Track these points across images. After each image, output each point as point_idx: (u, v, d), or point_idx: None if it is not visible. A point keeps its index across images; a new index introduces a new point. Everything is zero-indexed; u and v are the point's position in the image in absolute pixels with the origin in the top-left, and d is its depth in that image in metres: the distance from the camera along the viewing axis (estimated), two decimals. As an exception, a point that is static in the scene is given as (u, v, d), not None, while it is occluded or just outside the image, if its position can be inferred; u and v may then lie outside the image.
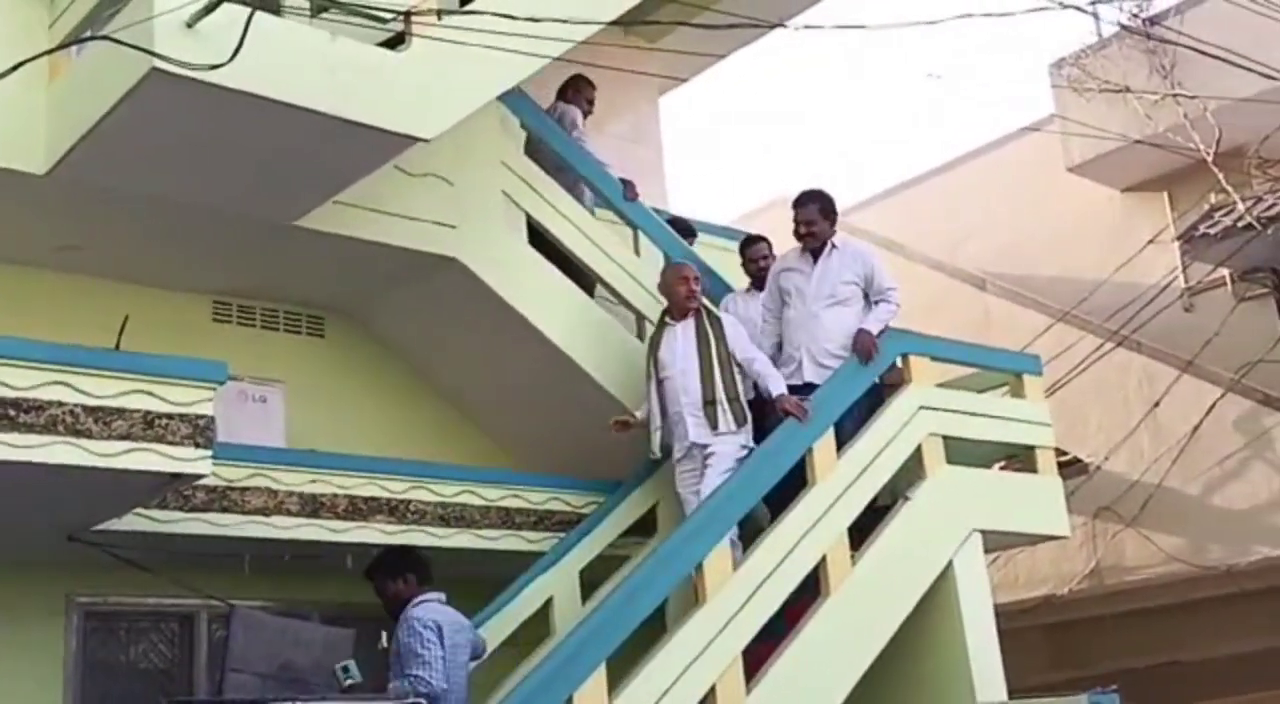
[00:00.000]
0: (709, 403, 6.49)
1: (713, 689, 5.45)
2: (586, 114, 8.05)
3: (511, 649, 6.44)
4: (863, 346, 6.64)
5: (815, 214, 6.94)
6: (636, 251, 7.58)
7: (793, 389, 6.54)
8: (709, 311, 6.81)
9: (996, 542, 7.28)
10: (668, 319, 6.79)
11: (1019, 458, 7.41)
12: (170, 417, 4.87)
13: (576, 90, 8.08)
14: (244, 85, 5.03)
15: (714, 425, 6.47)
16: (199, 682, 6.40)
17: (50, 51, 5.42)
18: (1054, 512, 7.28)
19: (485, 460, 7.37)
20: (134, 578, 5.88)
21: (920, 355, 6.95)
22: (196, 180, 5.78)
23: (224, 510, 5.84)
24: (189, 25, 4.90)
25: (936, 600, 6.45)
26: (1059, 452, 7.80)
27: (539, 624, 6.54)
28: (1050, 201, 12.24)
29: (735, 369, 6.60)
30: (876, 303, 6.84)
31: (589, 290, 7.37)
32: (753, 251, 7.59)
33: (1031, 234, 12.36)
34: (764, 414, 6.59)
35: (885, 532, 6.37)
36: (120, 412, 4.77)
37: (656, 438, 6.69)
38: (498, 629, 6.34)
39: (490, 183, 6.97)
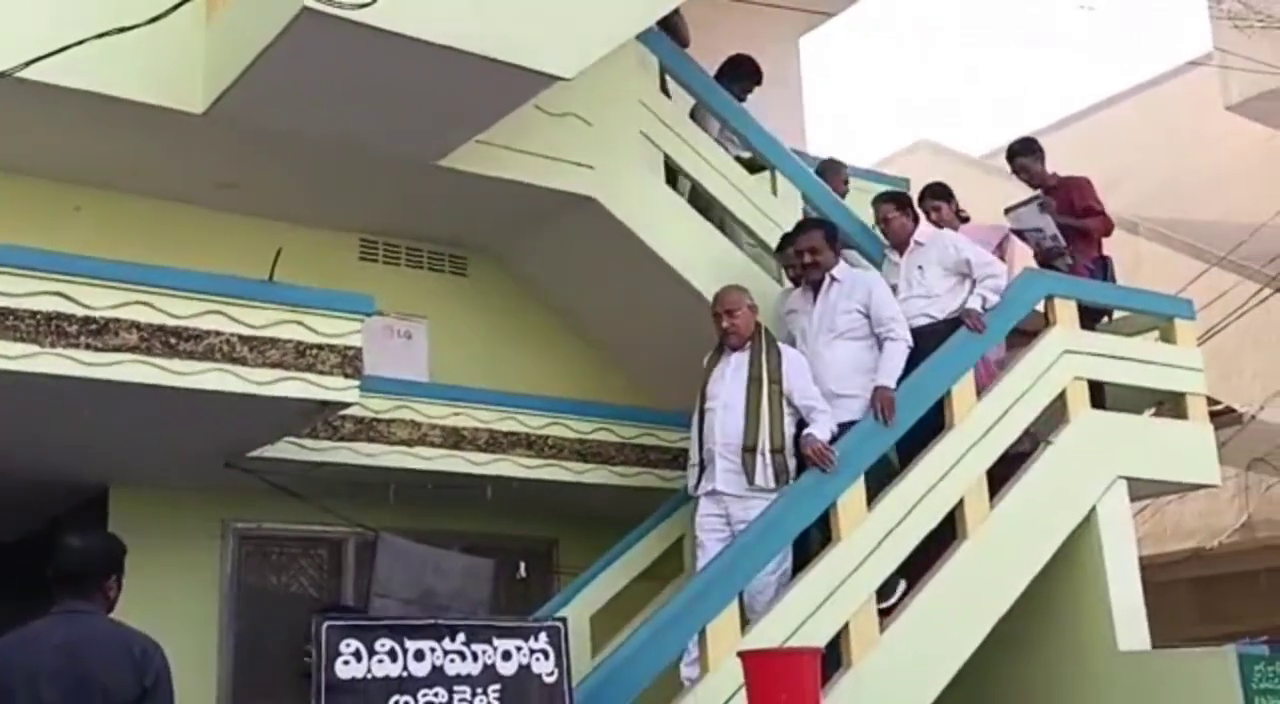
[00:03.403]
0: (748, 450, 5.79)
1: (845, 627, 5.47)
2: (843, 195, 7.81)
3: (646, 582, 6.54)
4: (880, 405, 5.94)
5: (820, 240, 6.36)
6: (774, 192, 7.53)
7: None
8: (770, 343, 6.09)
9: (1143, 489, 7.13)
10: (725, 346, 6.14)
11: (1168, 404, 7.23)
12: (320, 347, 5.05)
13: (835, 173, 7.95)
14: (392, 25, 5.09)
15: (750, 478, 5.77)
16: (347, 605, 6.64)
17: (207, -7, 5.59)
18: (1204, 460, 7.11)
19: (622, 398, 7.43)
20: (286, 505, 6.12)
21: (1065, 297, 6.82)
22: (345, 119, 5.91)
23: (370, 440, 6.04)
24: (339, -35, 5.00)
25: (1079, 547, 6.37)
26: (1211, 401, 7.57)
27: (673, 560, 6.63)
28: (1207, 142, 11.82)
29: (786, 416, 5.89)
30: (882, 340, 6.17)
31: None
32: (782, 258, 6.84)
33: (1187, 176, 11.97)
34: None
35: (1026, 476, 6.29)
36: (273, 341, 4.96)
37: (694, 475, 6.03)
38: (633, 563, 6.46)
39: (628, 122, 6.97)
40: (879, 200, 7.03)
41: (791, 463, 5.85)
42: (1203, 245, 11.06)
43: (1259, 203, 10.91)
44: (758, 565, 5.49)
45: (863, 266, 6.95)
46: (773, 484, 5.76)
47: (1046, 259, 7.34)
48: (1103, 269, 7.53)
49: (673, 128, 7.12)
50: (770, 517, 5.65)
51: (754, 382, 5.92)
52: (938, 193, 7.26)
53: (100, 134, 5.94)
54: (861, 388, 6.09)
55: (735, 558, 5.44)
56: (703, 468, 5.98)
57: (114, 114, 5.68)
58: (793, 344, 6.34)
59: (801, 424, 5.95)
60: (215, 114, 5.73)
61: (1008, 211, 7.50)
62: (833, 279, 6.33)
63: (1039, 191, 7.48)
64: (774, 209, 7.36)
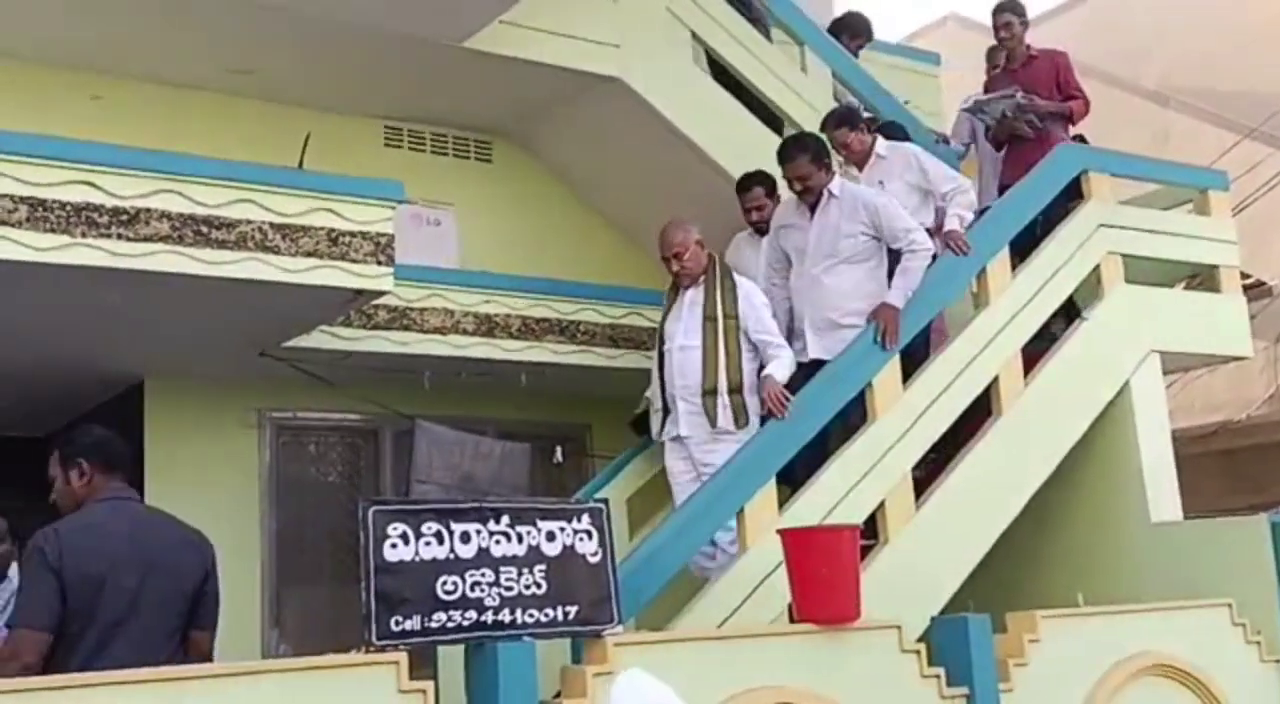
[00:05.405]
0: (708, 393, 5.52)
1: (882, 504, 5.49)
2: None
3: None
4: (882, 325, 5.56)
5: (807, 166, 5.79)
6: (803, 69, 7.38)
7: (801, 367, 5.70)
8: (725, 275, 5.74)
9: (1176, 362, 7.10)
10: (679, 283, 5.79)
11: (1201, 277, 7.16)
12: (353, 235, 5.00)
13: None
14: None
15: (712, 421, 5.51)
16: (385, 493, 6.68)
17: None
18: (1236, 332, 7.05)
19: (651, 282, 7.37)
20: (321, 394, 6.15)
21: (1100, 172, 6.71)
22: None
23: (404, 329, 6.03)
24: None
25: (1112, 421, 6.35)
26: (1241, 274, 7.49)
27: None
28: (1239, 9, 11.52)
29: (745, 353, 5.59)
30: (902, 252, 5.75)
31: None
32: (746, 199, 6.30)
33: (1218, 45, 11.68)
34: None
35: (1060, 352, 6.25)
36: (305, 229, 4.91)
37: (657, 421, 5.76)
38: (667, 446, 6.46)
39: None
40: (827, 125, 6.34)
41: (752, 401, 5.57)
42: (1233, 117, 10.87)
43: (1290, 72, 10.72)
44: (794, 445, 5.47)
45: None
46: (733, 427, 5.52)
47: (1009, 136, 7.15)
48: None
49: (699, 4, 6.96)
50: (805, 399, 5.60)
51: (709, 320, 5.61)
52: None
53: (117, 19, 5.84)
54: (864, 317, 5.72)
55: (769, 443, 5.43)
56: (666, 412, 5.72)
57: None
58: (789, 261, 6.04)
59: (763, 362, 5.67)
60: (230, -7, 5.63)
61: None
62: (830, 195, 5.85)
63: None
64: (803, 86, 7.24)
